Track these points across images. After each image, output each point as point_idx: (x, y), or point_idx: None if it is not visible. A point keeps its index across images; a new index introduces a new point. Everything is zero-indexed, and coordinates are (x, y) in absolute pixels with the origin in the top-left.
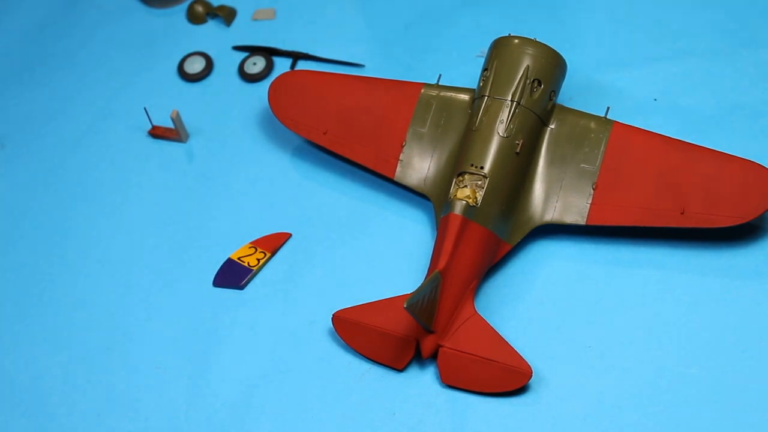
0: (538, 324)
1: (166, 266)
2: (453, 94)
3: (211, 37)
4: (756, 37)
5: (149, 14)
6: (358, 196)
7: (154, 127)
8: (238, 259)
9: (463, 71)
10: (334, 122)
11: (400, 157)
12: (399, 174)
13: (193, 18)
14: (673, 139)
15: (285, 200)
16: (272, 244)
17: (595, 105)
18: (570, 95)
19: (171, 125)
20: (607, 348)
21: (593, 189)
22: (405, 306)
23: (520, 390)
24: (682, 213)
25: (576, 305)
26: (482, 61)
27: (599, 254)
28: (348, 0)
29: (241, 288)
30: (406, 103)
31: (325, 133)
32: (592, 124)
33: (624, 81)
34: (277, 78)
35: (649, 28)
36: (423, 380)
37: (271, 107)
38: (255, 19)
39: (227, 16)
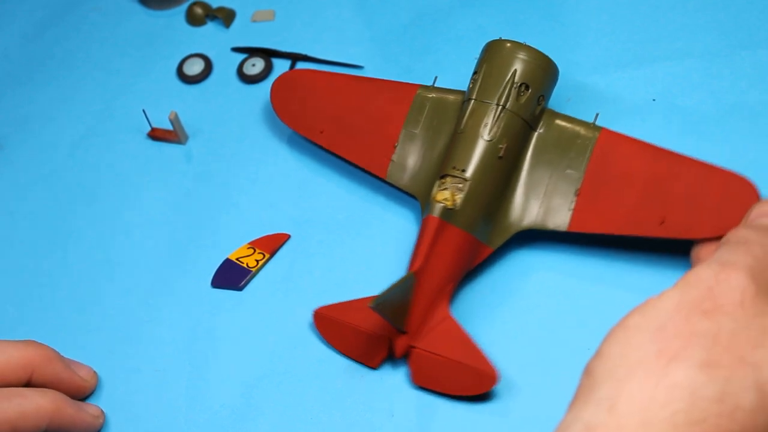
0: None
1: (165, 267)
2: (447, 96)
3: (210, 38)
4: (754, 38)
5: (148, 16)
6: (356, 198)
7: (153, 129)
8: (237, 259)
9: (462, 72)
10: (331, 121)
11: (393, 158)
12: (390, 174)
13: (192, 20)
14: (660, 148)
15: (284, 201)
16: (271, 245)
17: (593, 106)
18: (568, 95)
19: (170, 127)
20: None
21: (576, 195)
22: (370, 306)
23: (492, 397)
24: (662, 223)
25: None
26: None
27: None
28: (347, 1)
29: (240, 289)
30: (400, 104)
31: (322, 132)
32: (580, 130)
33: (622, 81)
34: (280, 76)
35: (647, 29)
36: None
37: (272, 104)
38: (254, 21)
39: (226, 17)
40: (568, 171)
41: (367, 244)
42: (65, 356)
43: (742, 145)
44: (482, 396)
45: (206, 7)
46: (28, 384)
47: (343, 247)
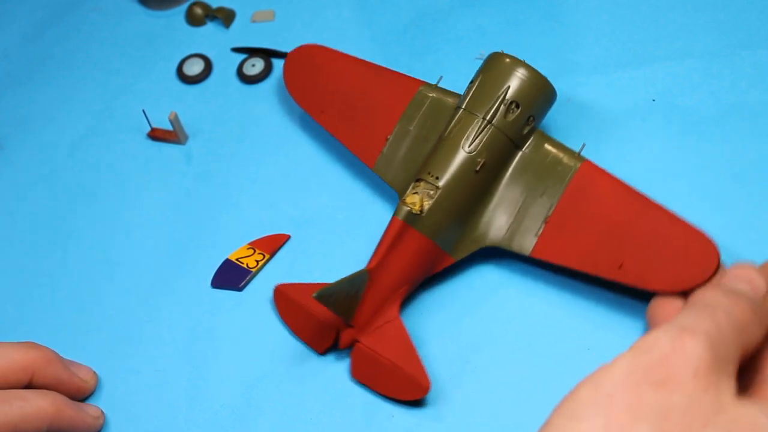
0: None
1: (165, 267)
2: (446, 99)
3: (210, 38)
4: (754, 38)
5: (148, 16)
6: (356, 198)
7: (153, 129)
8: (237, 260)
9: (462, 73)
10: (334, 102)
11: (383, 150)
12: (377, 166)
13: (192, 20)
14: (635, 191)
15: (284, 201)
16: (271, 246)
17: (593, 106)
18: (568, 96)
19: (170, 127)
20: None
21: (545, 223)
22: (313, 296)
23: (426, 404)
24: (619, 267)
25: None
26: (481, 63)
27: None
28: (347, 1)
29: (240, 289)
30: (401, 98)
31: (323, 112)
32: (564, 158)
33: (622, 81)
34: (297, 48)
35: (647, 29)
36: None
37: (284, 75)
38: (254, 21)
39: (226, 17)
40: (543, 197)
41: (367, 244)
42: (65, 357)
43: (742, 145)
44: (416, 402)
45: (206, 7)
46: (29, 386)
47: (343, 247)
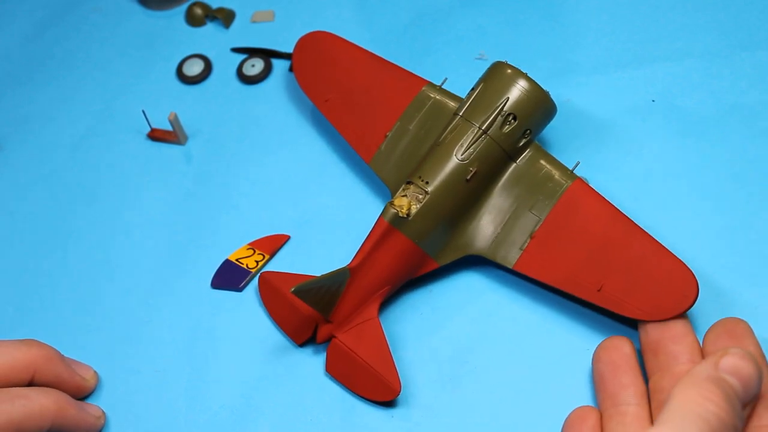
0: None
1: (165, 267)
2: (447, 102)
3: (210, 39)
4: (754, 39)
5: (148, 16)
6: (356, 198)
7: (152, 130)
8: (237, 260)
9: (463, 74)
10: (338, 93)
11: (381, 146)
12: (373, 162)
13: (192, 20)
14: (623, 214)
15: (283, 202)
16: (271, 246)
17: (593, 106)
18: (567, 96)
19: (170, 128)
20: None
21: (530, 237)
22: (291, 290)
23: (392, 406)
24: (598, 290)
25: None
26: (482, 62)
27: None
28: (347, 1)
29: (240, 290)
30: (404, 95)
31: (326, 101)
32: (555, 174)
33: (622, 82)
34: (308, 34)
35: (647, 29)
36: (420, 382)
37: (292, 60)
38: (254, 21)
39: (226, 18)
40: (532, 211)
41: None
42: (66, 356)
43: (742, 145)
44: (387, 403)
45: (206, 7)
46: (30, 384)
47: (343, 247)
